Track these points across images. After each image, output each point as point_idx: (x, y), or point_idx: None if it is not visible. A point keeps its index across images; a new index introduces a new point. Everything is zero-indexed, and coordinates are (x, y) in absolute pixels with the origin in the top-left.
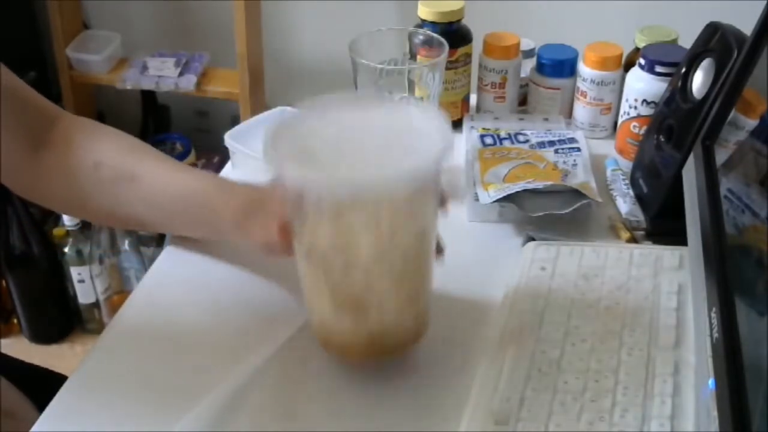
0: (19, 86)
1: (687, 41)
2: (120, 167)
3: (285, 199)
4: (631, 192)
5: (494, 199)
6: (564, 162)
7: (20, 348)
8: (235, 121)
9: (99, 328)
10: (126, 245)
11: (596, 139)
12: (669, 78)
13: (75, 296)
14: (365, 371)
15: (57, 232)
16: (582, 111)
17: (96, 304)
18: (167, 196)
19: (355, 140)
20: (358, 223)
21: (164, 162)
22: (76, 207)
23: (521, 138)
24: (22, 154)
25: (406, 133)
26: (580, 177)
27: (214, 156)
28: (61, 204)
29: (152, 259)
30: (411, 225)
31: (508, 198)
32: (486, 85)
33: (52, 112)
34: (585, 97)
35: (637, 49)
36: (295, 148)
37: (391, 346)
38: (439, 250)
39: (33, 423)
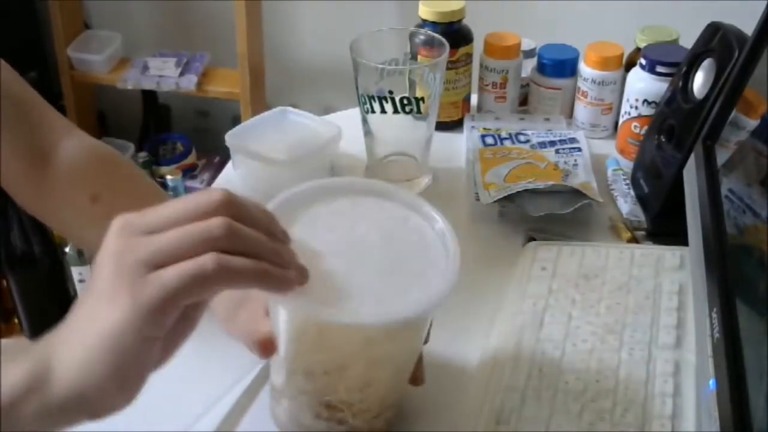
0: (29, 99)
1: (688, 41)
2: (117, 208)
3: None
4: (632, 192)
5: (495, 199)
6: (565, 162)
7: None
8: (236, 121)
9: None
10: None
11: (597, 139)
12: (670, 78)
13: (76, 296)
14: None
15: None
16: (583, 111)
17: None
18: None
19: (353, 253)
20: (347, 350)
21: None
22: (74, 235)
23: (522, 138)
24: (24, 171)
25: (411, 255)
26: (581, 177)
27: (215, 156)
28: (61, 227)
29: None
30: (403, 351)
31: (509, 198)
32: (487, 85)
33: (60, 131)
34: (586, 97)
35: (638, 49)
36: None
37: None
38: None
39: None
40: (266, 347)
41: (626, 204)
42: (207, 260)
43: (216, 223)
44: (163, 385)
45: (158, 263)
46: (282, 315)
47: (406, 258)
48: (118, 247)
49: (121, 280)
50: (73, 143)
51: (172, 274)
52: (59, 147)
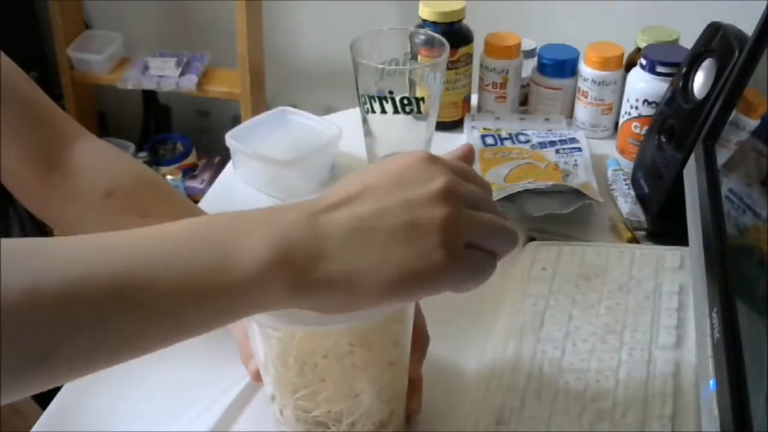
0: (39, 101)
1: (688, 41)
2: (132, 201)
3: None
4: (632, 192)
5: (495, 199)
6: (565, 162)
7: None
8: (236, 121)
9: None
10: None
11: (597, 139)
12: (670, 78)
13: None
14: None
15: (58, 232)
16: (583, 111)
17: None
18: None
19: None
20: (331, 352)
21: (176, 207)
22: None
23: (522, 138)
24: (33, 172)
25: None
26: (581, 177)
27: (215, 156)
28: (68, 228)
29: None
30: (385, 353)
31: (509, 198)
32: (487, 85)
33: (70, 132)
34: (586, 97)
35: (638, 49)
36: None
37: None
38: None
39: None
40: (258, 376)
41: (626, 204)
42: (494, 263)
43: (510, 229)
44: (161, 385)
45: (472, 243)
46: (260, 331)
47: None
48: (450, 214)
49: (445, 248)
50: (85, 146)
51: (485, 265)
52: (70, 150)
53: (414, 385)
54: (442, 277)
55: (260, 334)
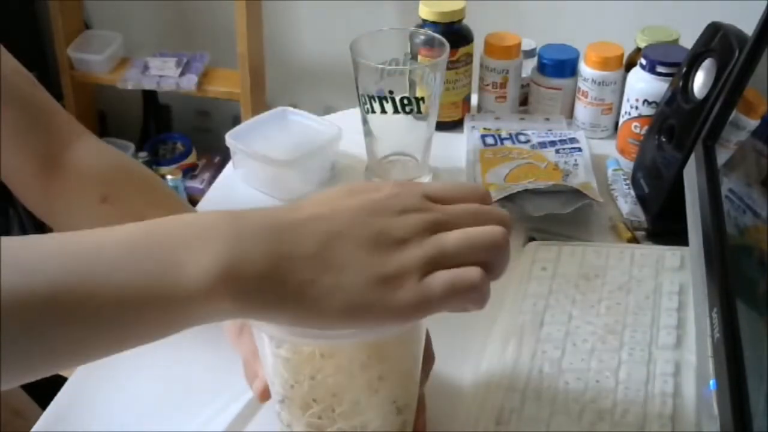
0: (42, 102)
1: (688, 41)
2: (125, 208)
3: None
4: (632, 192)
5: (495, 199)
6: (565, 162)
7: None
8: (236, 120)
9: None
10: None
11: (597, 139)
12: (670, 78)
13: None
14: None
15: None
16: (583, 111)
17: None
18: None
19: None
20: (345, 366)
21: (171, 212)
22: None
23: (522, 138)
24: (33, 174)
25: None
26: (581, 177)
27: (215, 156)
28: (68, 230)
29: None
30: (400, 363)
31: (509, 198)
32: (487, 85)
33: (70, 134)
34: (586, 97)
35: (638, 49)
36: None
37: None
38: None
39: None
40: (264, 395)
41: (626, 204)
42: (476, 277)
43: (497, 241)
44: (170, 389)
45: (438, 266)
46: (270, 348)
47: None
48: (417, 253)
49: (406, 282)
50: (85, 147)
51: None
52: (70, 150)
53: (418, 403)
54: (397, 312)
55: (270, 351)
